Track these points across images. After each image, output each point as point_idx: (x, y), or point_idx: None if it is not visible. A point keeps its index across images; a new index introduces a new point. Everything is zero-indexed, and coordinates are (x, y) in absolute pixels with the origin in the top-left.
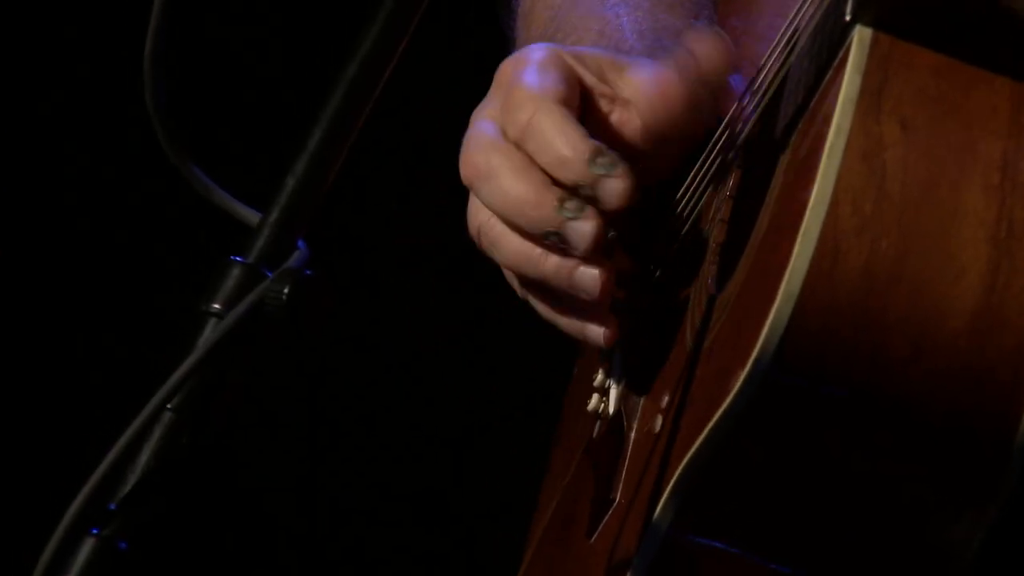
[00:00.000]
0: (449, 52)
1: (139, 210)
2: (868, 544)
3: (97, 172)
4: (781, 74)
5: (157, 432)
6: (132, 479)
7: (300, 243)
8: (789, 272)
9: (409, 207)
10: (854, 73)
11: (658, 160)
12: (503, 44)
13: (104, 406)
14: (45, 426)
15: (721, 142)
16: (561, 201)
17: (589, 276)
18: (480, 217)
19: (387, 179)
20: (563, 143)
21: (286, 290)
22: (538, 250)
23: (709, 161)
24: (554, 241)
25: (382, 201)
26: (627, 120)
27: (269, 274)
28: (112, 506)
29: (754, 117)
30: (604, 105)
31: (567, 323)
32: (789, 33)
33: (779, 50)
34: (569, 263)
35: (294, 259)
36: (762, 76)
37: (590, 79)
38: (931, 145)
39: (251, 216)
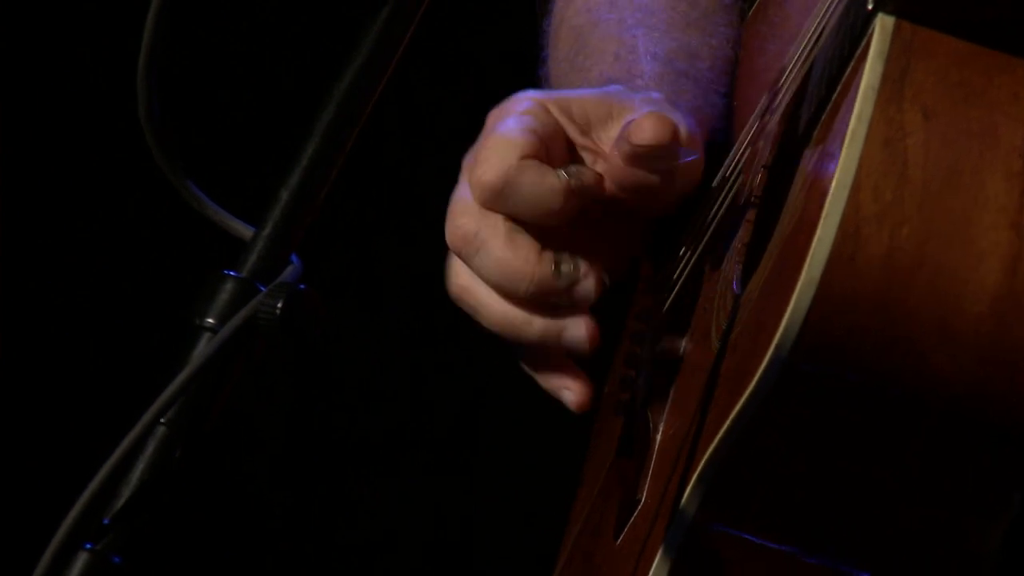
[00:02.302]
0: (444, 61)
1: (133, 224)
2: (889, 529)
3: (90, 185)
4: (805, 69)
5: (150, 446)
6: (126, 493)
7: (294, 257)
8: (810, 258)
9: (407, 216)
10: (876, 60)
11: (646, 212)
12: (499, 55)
13: (97, 420)
14: (39, 440)
15: (743, 149)
16: (557, 264)
17: (578, 334)
18: (460, 281)
19: (381, 189)
20: (550, 195)
21: (280, 304)
22: (521, 317)
23: (737, 163)
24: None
25: (379, 210)
26: (602, 177)
27: (263, 288)
28: (106, 520)
29: (778, 115)
30: (588, 158)
31: (543, 380)
32: (813, 31)
33: (804, 49)
34: (557, 325)
35: (288, 273)
36: (786, 73)
37: (573, 131)
38: (953, 132)
39: (244, 230)
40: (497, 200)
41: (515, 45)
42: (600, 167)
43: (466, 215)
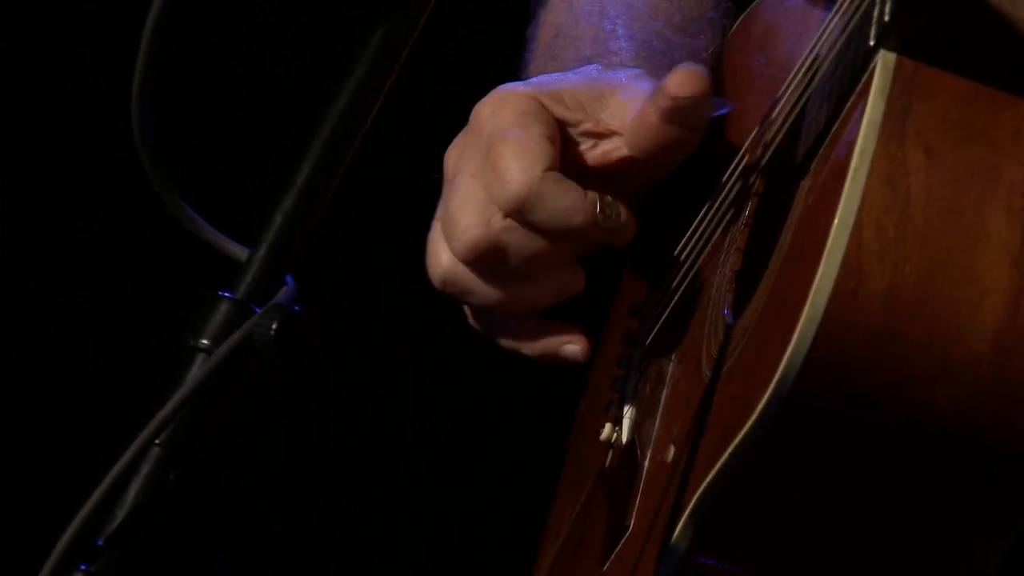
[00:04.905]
0: (443, 63)
1: (128, 246)
2: (888, 568)
3: (85, 207)
4: (802, 101)
5: (145, 468)
6: (121, 515)
7: (288, 279)
8: (812, 294)
9: (404, 219)
10: (878, 98)
11: (645, 177)
12: (500, 58)
13: (92, 441)
14: (34, 461)
15: (739, 171)
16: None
17: (574, 281)
18: (445, 264)
19: (381, 191)
20: (572, 211)
21: (274, 325)
22: (519, 284)
23: (726, 190)
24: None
25: (377, 213)
26: (612, 149)
27: (257, 309)
28: (100, 542)
29: (774, 145)
30: (587, 140)
31: (539, 345)
32: (809, 61)
33: (798, 78)
34: (559, 277)
35: (282, 294)
36: (781, 104)
37: (571, 118)
38: (955, 170)
39: (239, 252)
40: (520, 211)
41: (515, 48)
42: (602, 146)
43: (483, 235)
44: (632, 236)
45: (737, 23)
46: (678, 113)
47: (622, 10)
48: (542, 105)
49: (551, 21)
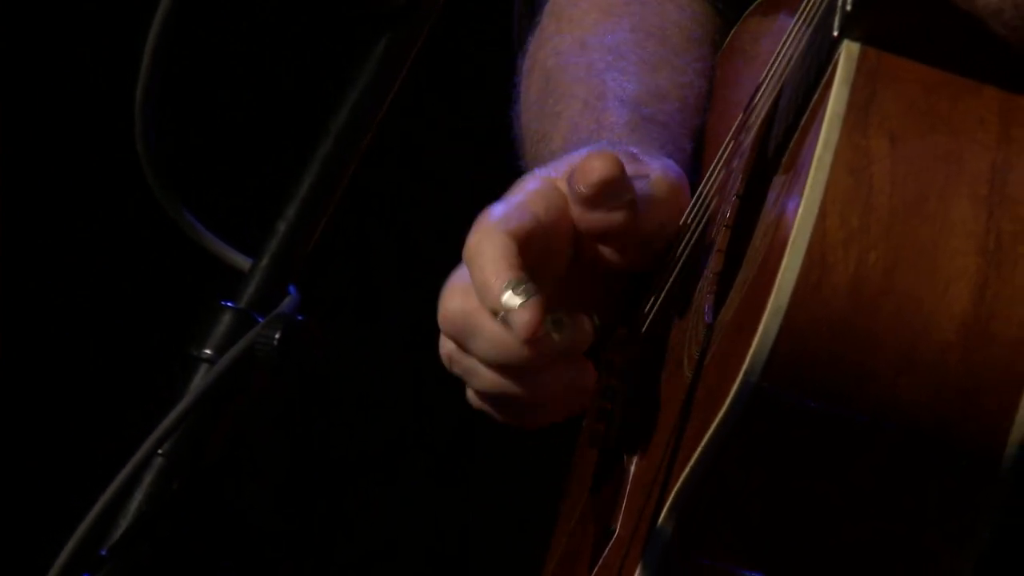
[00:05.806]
0: (444, 70)
1: (131, 255)
2: (860, 559)
3: (88, 215)
4: (772, 98)
5: (148, 477)
6: (123, 524)
7: (291, 288)
8: (777, 286)
9: (405, 225)
10: (841, 87)
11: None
12: (496, 82)
13: (95, 451)
14: (36, 470)
15: (717, 173)
16: (557, 324)
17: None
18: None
19: (381, 198)
20: (490, 270)
21: (277, 335)
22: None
23: (708, 194)
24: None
25: (377, 220)
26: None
27: (260, 319)
28: (103, 551)
29: (750, 140)
30: None
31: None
32: (782, 57)
33: (773, 74)
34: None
35: (285, 304)
36: (757, 98)
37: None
38: (919, 158)
39: (242, 261)
40: (459, 337)
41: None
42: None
43: (456, 296)
44: (528, 332)
45: (728, 38)
46: (594, 201)
47: (610, 61)
48: (554, 189)
49: (542, 63)
